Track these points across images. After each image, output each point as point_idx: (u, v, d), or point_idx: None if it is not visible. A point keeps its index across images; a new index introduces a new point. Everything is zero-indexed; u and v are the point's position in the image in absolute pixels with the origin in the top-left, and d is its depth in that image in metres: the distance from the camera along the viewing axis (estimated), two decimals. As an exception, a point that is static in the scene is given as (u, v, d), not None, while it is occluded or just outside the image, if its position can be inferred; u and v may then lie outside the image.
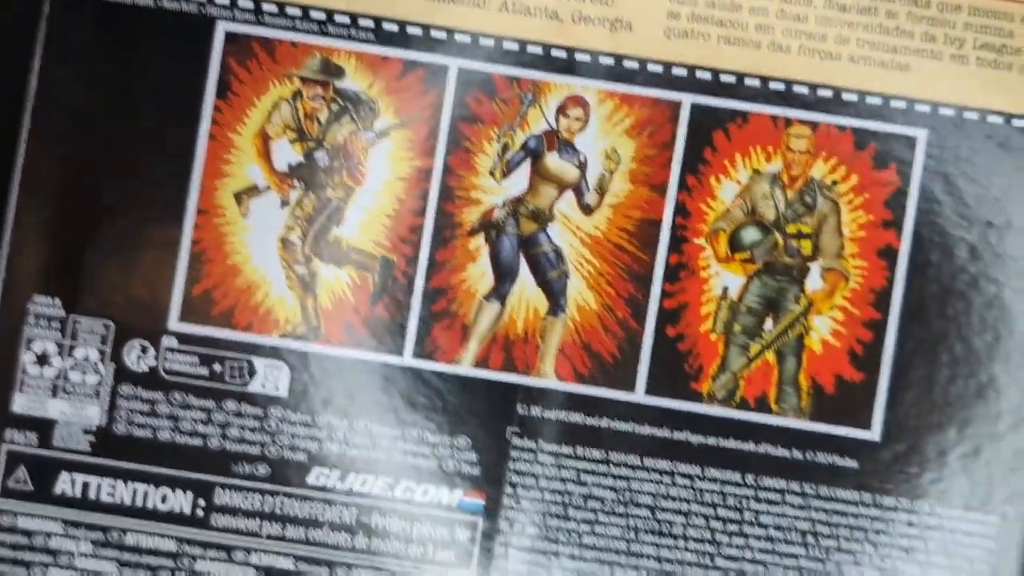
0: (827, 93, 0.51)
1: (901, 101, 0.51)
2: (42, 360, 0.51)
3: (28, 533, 0.51)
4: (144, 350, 0.51)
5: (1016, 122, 0.51)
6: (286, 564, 0.52)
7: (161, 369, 0.51)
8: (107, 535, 0.52)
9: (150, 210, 0.51)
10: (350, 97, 0.52)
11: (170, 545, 0.52)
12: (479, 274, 0.52)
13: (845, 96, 0.51)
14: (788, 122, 0.52)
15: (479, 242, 0.52)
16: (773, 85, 0.51)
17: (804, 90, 0.51)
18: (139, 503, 0.52)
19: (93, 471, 0.52)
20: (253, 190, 0.52)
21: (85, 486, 0.52)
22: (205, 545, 0.52)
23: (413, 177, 0.52)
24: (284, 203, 0.52)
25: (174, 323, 0.51)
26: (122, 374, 0.52)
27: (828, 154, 0.52)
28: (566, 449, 0.52)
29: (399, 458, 0.52)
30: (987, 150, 0.51)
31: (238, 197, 0.51)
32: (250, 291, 0.52)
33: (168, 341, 0.51)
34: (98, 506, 0.52)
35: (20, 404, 0.51)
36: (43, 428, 0.51)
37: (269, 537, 0.52)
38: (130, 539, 0.52)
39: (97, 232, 0.51)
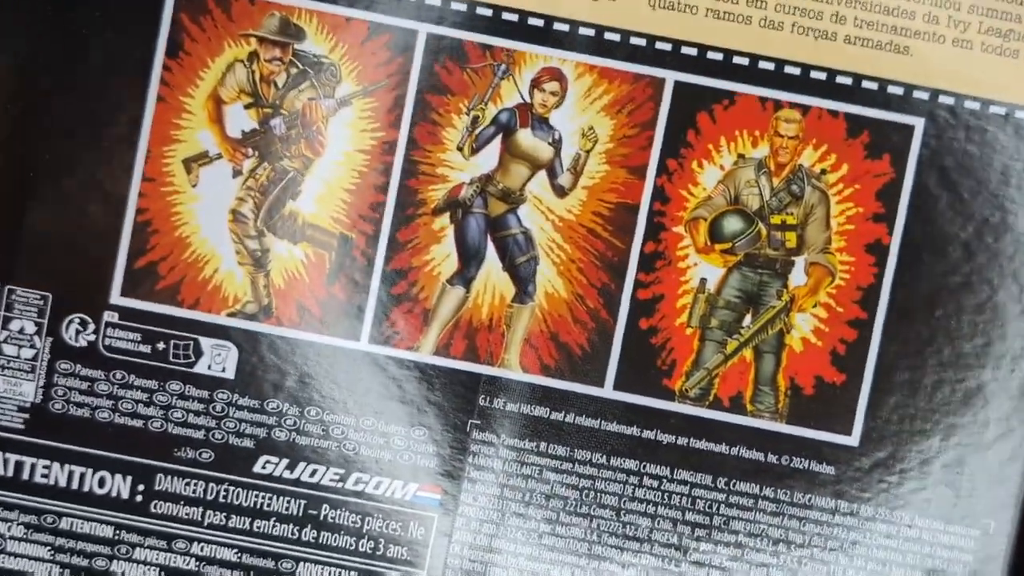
0: (820, 75, 0.48)
1: (899, 87, 0.48)
2: (-26, 331, 0.48)
3: (-42, 514, 0.49)
4: (84, 325, 0.48)
5: (1019, 114, 0.48)
6: (228, 555, 0.49)
7: (101, 345, 0.48)
8: (41, 519, 0.49)
9: (94, 176, 0.48)
10: (310, 61, 0.48)
11: (107, 531, 0.49)
12: (443, 256, 0.49)
13: (840, 79, 0.48)
14: (777, 105, 0.48)
15: (444, 222, 0.49)
16: (763, 64, 0.48)
17: (796, 71, 0.48)
18: (75, 486, 0.49)
19: (27, 451, 0.49)
20: (203, 157, 0.48)
21: (18, 466, 0.49)
22: (144, 532, 0.49)
23: (376, 150, 0.48)
24: (237, 173, 0.48)
25: (116, 297, 0.48)
26: (59, 349, 0.48)
27: (819, 141, 0.48)
28: (529, 444, 0.49)
29: (352, 448, 0.49)
30: (987, 142, 0.48)
31: (187, 164, 0.48)
32: (198, 265, 0.48)
33: (109, 316, 0.48)
34: (31, 488, 0.49)
35: (-50, 377, 0.49)
36: (-26, 404, 0.49)
37: (211, 527, 0.49)
38: (65, 523, 0.49)
39: (36, 197, 0.48)
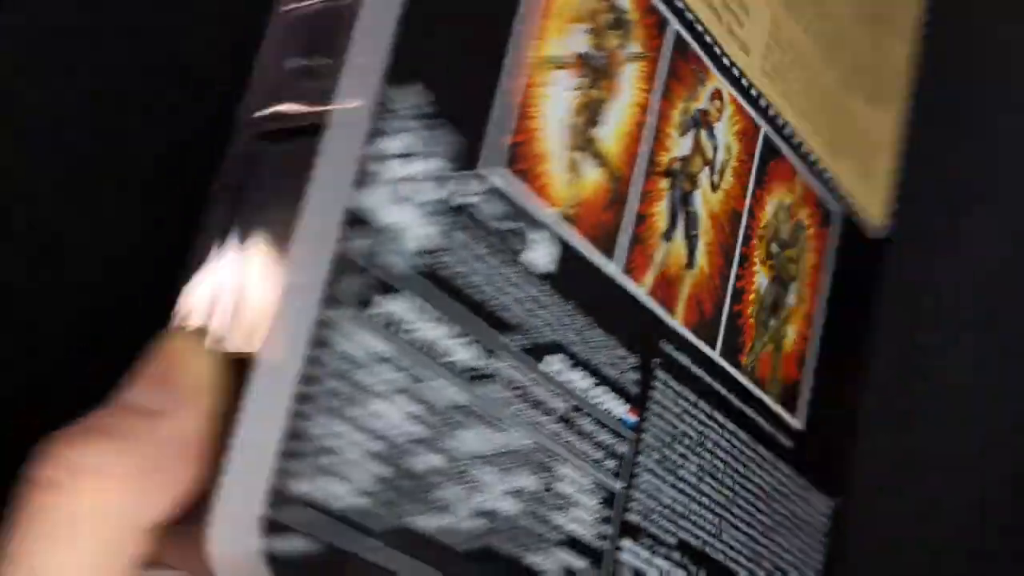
0: (813, 156, 0.66)
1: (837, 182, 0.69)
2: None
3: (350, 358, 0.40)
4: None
5: (866, 219, 0.72)
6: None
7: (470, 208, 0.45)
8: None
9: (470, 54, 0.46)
10: (622, 12, 0.53)
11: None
12: (661, 213, 0.55)
13: (821, 166, 0.67)
14: (795, 172, 0.65)
15: (665, 184, 0.56)
16: (795, 139, 0.65)
17: (806, 150, 0.66)
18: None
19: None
20: (555, 61, 0.49)
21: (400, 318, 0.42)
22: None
23: (639, 108, 0.54)
24: (573, 87, 0.50)
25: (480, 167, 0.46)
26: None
27: (807, 204, 0.66)
28: (687, 392, 0.57)
29: (599, 363, 0.51)
30: (855, 238, 0.71)
31: (544, 62, 0.49)
32: (541, 159, 0.48)
33: (482, 184, 0.46)
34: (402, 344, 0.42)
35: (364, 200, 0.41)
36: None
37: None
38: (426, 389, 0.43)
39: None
